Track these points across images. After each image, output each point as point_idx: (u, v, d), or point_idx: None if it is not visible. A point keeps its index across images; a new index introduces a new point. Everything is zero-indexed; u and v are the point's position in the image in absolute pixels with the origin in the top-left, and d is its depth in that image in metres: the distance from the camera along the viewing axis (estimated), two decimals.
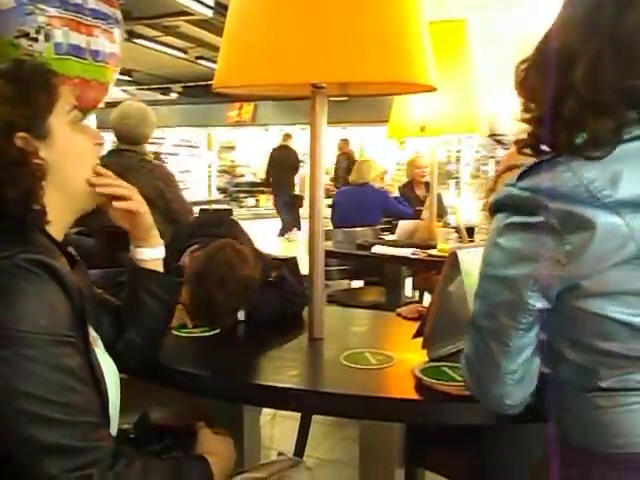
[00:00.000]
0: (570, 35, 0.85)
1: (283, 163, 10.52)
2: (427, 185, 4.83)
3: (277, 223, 10.88)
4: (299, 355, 1.34)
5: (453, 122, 2.76)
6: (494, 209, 0.91)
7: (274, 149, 11.06)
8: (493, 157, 19.01)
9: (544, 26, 0.92)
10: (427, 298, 4.07)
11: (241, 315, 1.54)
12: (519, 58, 0.94)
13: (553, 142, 0.86)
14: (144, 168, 2.99)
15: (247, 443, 1.43)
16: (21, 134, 0.91)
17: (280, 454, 2.39)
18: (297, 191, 11.12)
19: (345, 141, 11.66)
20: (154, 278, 1.15)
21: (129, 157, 2.99)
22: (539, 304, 0.86)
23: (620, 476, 0.86)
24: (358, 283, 4.01)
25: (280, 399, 1.11)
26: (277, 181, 10.55)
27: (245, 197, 15.77)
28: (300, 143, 11.39)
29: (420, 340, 1.25)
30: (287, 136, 11.19)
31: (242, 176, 16.57)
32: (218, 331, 1.47)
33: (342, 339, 1.47)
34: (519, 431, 1.30)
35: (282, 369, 1.22)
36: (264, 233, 10.57)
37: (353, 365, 1.20)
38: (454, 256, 1.17)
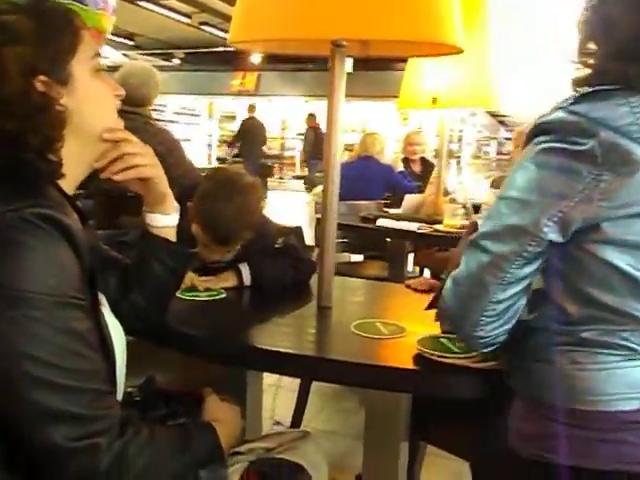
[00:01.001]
0: None
1: (252, 134, 10.84)
2: (423, 161, 4.80)
3: (274, 195, 10.97)
4: (309, 322, 1.31)
5: (467, 94, 2.69)
6: (535, 132, 0.86)
7: (244, 120, 11.38)
8: (495, 138, 18.90)
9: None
10: (427, 275, 4.05)
11: (247, 279, 1.51)
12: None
13: (619, 78, 0.81)
14: (148, 132, 2.91)
15: (249, 412, 1.40)
16: (42, 77, 0.84)
17: (277, 423, 2.37)
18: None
19: (312, 115, 11.87)
20: (165, 247, 1.10)
21: (133, 119, 2.91)
22: (553, 236, 0.84)
23: (585, 435, 0.84)
24: (357, 257, 3.98)
25: (292, 365, 1.08)
26: (246, 152, 10.84)
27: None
28: (300, 116, 11.35)
29: (432, 312, 1.21)
30: (252, 107, 11.45)
31: None
32: (224, 296, 1.44)
33: (351, 308, 1.44)
34: None
35: (291, 335, 1.19)
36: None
37: (364, 334, 1.17)
38: (475, 226, 1.13)
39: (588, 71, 0.87)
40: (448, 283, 0.94)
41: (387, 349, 1.13)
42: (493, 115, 15.95)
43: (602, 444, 0.84)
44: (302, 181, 11.10)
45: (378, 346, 1.13)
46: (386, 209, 3.68)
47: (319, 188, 6.14)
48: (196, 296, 1.42)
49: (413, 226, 2.71)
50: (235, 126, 16.60)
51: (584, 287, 0.84)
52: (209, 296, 1.43)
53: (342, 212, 3.58)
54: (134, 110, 2.92)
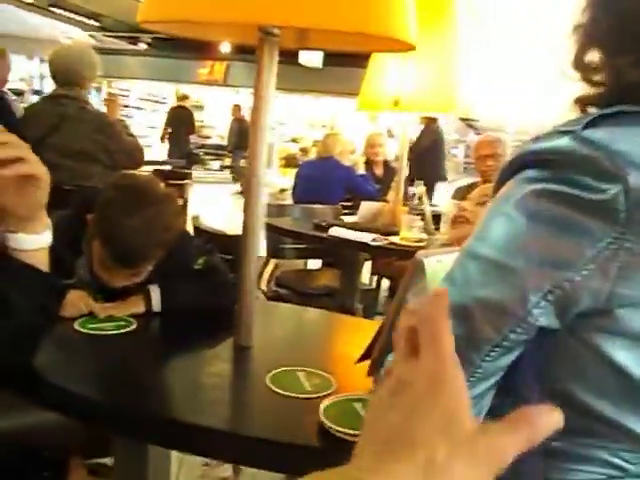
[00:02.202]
0: None
1: (179, 122, 10.83)
2: (386, 164, 4.61)
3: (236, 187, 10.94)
4: (216, 371, 1.06)
5: (430, 99, 2.50)
6: (522, 161, 0.59)
7: (171, 108, 11.47)
8: (464, 141, 18.94)
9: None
10: (385, 284, 3.87)
11: (157, 305, 1.28)
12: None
13: None
14: (83, 119, 2.66)
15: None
16: None
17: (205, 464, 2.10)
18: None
19: (237, 106, 11.92)
20: (31, 277, 0.86)
21: (66, 105, 2.65)
22: (544, 320, 0.56)
23: None
24: (316, 263, 3.77)
25: (176, 439, 0.85)
26: (174, 140, 10.86)
27: (210, 160, 15.27)
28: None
29: (365, 364, 1.00)
30: (184, 96, 11.44)
31: (208, 137, 16.02)
32: (134, 327, 1.20)
33: (276, 348, 1.21)
34: None
35: (189, 392, 0.95)
36: (223, 198, 10.45)
37: (280, 391, 0.95)
38: (419, 265, 0.93)
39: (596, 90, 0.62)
40: None
41: (308, 415, 0.89)
42: (462, 119, 15.98)
43: None
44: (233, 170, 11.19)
45: (295, 410, 0.91)
46: (345, 213, 3.48)
47: (275, 187, 5.92)
48: (99, 329, 1.17)
49: (367, 237, 2.51)
50: (204, 116, 16.25)
51: (570, 387, 0.59)
52: (116, 328, 1.19)
53: (295, 217, 3.40)
54: (67, 94, 2.65)
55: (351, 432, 0.80)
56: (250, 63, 13.15)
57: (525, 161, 0.58)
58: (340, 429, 0.80)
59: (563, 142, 0.55)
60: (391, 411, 0.39)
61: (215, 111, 15.94)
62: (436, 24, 2.51)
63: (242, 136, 10.85)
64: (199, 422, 0.85)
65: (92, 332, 1.16)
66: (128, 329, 1.19)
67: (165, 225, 1.24)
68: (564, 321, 0.57)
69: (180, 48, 13.89)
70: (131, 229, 1.19)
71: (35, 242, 0.86)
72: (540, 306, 0.55)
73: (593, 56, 0.62)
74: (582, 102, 0.62)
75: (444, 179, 6.19)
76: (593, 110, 0.61)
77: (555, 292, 0.54)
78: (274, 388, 0.96)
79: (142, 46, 14.73)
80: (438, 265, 0.94)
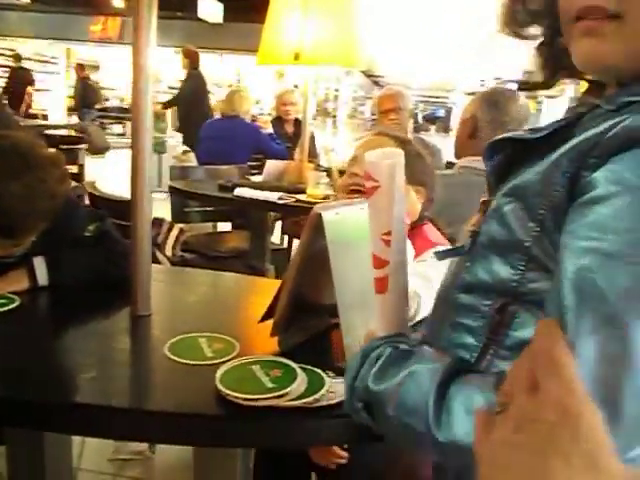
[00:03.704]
0: None
1: (20, 83, 10.59)
2: (297, 122, 4.53)
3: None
4: (112, 345, 0.99)
5: (331, 52, 2.45)
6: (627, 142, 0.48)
7: (12, 69, 11.15)
8: (370, 98, 19.13)
9: None
10: (297, 243, 3.85)
11: (42, 278, 1.18)
12: None
13: None
14: None
15: (51, 465, 1.05)
16: None
17: None
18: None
19: (81, 65, 11.67)
20: None
21: None
22: None
23: None
24: (227, 226, 3.68)
25: (72, 424, 0.79)
26: (13, 105, 10.39)
27: (111, 124, 14.47)
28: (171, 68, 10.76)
29: (268, 324, 0.97)
30: (17, 56, 11.22)
31: (107, 100, 15.14)
32: (17, 304, 1.10)
33: (178, 315, 1.15)
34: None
35: (78, 369, 0.88)
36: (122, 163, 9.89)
37: (179, 360, 0.90)
38: (317, 219, 0.89)
39: None
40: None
41: (208, 382, 0.84)
42: (368, 75, 16.06)
43: None
44: None
45: (195, 379, 0.86)
46: (252, 173, 3.40)
47: (179, 149, 5.68)
48: None
49: (273, 196, 2.46)
50: (97, 77, 15.29)
51: None
52: None
53: (199, 178, 3.28)
54: None
55: (247, 397, 0.77)
56: None
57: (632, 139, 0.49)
58: (237, 395, 0.77)
59: None
60: (517, 451, 0.31)
61: (113, 71, 15.04)
62: None
63: (88, 95, 11.03)
64: (92, 402, 0.80)
65: None
66: (9, 307, 1.09)
67: (49, 193, 1.13)
68: None
69: (68, 2, 12.86)
70: (9, 196, 1.08)
71: None
72: None
73: None
74: None
75: None
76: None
77: None
78: (172, 357, 0.91)
79: (24, 0, 13.53)
80: (337, 217, 0.91)
